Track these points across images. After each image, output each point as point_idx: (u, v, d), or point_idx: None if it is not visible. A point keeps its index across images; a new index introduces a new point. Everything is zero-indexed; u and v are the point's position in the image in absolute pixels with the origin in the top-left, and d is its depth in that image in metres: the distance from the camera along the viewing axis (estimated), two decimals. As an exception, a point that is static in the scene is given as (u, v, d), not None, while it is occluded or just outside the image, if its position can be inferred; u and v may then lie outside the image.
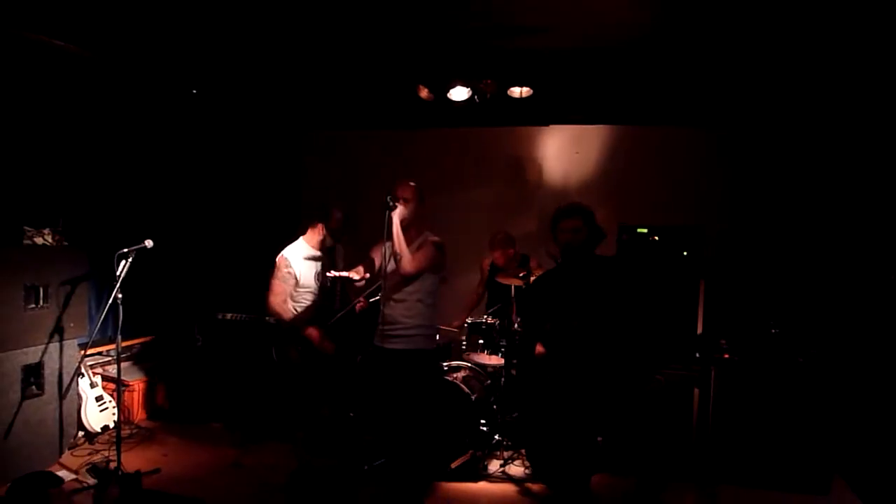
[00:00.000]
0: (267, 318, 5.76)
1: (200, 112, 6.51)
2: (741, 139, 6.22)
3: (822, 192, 5.75)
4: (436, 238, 4.09)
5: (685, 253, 5.00)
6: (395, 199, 3.89)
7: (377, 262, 4.17)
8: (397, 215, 3.87)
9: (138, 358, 6.12)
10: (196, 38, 4.94)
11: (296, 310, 4.46)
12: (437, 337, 4.47)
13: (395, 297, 4.03)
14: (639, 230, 5.12)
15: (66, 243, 4.98)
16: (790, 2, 3.89)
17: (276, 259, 4.47)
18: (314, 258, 4.52)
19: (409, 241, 3.95)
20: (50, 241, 4.87)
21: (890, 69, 4.56)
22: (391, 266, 3.98)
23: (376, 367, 4.11)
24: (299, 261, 4.45)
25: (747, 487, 4.64)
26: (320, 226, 4.55)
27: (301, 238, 4.60)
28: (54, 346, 4.75)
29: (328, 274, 4.47)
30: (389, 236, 3.88)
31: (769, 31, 4.35)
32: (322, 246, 4.58)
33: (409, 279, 3.96)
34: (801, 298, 5.54)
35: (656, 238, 5.11)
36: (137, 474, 4.30)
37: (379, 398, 4.11)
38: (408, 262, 3.88)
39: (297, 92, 6.29)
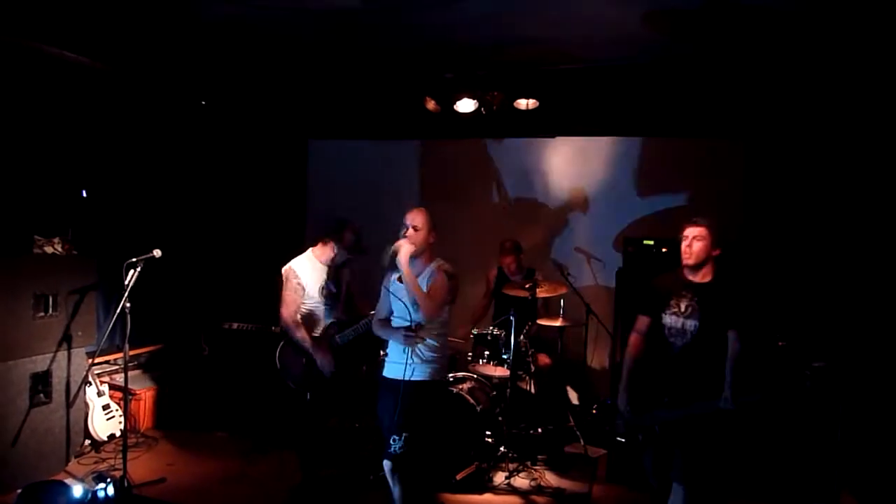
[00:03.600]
0: (273, 327, 5.78)
1: (209, 123, 6.57)
2: (748, 150, 6.20)
3: (831, 203, 5.72)
4: (447, 266, 3.87)
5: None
6: (400, 237, 3.70)
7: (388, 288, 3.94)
8: (405, 255, 3.63)
9: (145, 367, 6.14)
10: (205, 49, 4.99)
11: (303, 322, 4.44)
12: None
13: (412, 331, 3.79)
14: (645, 242, 5.12)
15: (75, 252, 5.02)
16: (793, 13, 3.91)
17: (284, 271, 4.43)
18: (319, 269, 4.52)
19: (419, 270, 3.77)
20: (59, 250, 4.91)
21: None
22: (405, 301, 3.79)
23: (389, 398, 3.86)
24: (306, 272, 4.44)
25: (755, 502, 4.61)
26: (331, 244, 4.52)
27: (310, 250, 4.58)
28: (62, 355, 4.79)
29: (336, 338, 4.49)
30: (392, 269, 3.72)
31: (776, 40, 4.36)
32: (330, 262, 4.57)
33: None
34: (809, 311, 5.51)
35: (664, 250, 5.10)
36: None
37: (390, 426, 3.85)
38: (427, 308, 3.65)
39: (305, 103, 6.34)
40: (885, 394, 4.57)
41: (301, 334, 4.36)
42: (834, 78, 4.86)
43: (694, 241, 3.62)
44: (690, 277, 3.68)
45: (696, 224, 3.63)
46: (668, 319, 3.69)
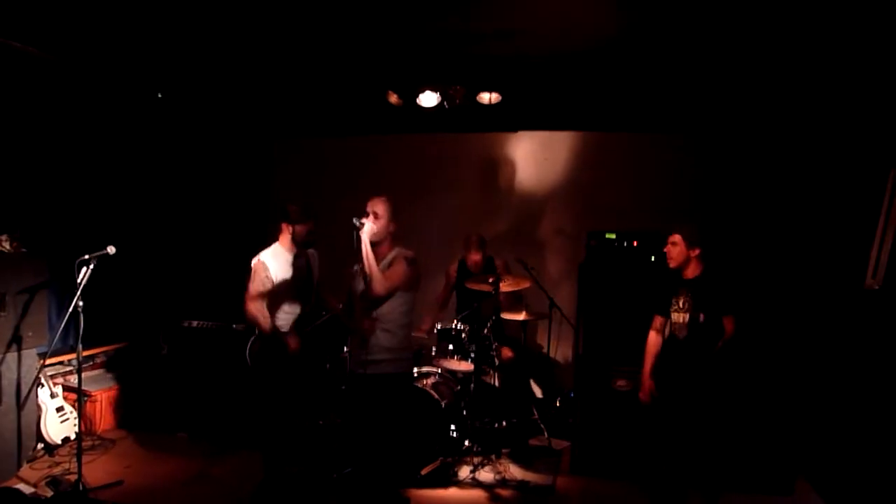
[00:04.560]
0: (234, 325, 5.69)
1: (166, 116, 6.41)
2: (708, 146, 6.30)
3: (786, 200, 5.85)
4: (408, 253, 3.94)
5: (653, 258, 5.05)
6: (363, 217, 3.77)
7: (351, 279, 4.05)
8: (366, 234, 3.74)
9: (102, 367, 5.98)
10: (162, 42, 4.86)
11: (272, 314, 4.37)
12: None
13: (373, 320, 3.86)
14: (607, 235, 5.16)
15: (24, 250, 4.85)
16: (754, 8, 3.97)
17: (253, 264, 4.35)
18: (289, 261, 4.45)
19: (380, 258, 3.80)
20: (7, 247, 4.75)
21: (859, 73, 4.67)
22: (363, 287, 3.85)
23: (355, 392, 3.97)
24: (275, 264, 4.36)
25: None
26: (284, 225, 4.46)
27: (276, 242, 4.52)
28: (12, 356, 4.62)
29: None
30: (360, 256, 3.77)
31: (734, 36, 4.42)
32: (295, 247, 4.50)
33: (381, 300, 3.82)
34: (764, 304, 5.63)
35: (625, 243, 5.14)
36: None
37: (358, 421, 4.00)
38: (378, 283, 3.72)
39: (266, 97, 6.23)
40: (839, 382, 4.69)
41: (268, 325, 4.28)
42: (786, 71, 4.96)
43: (670, 246, 4.13)
44: (683, 276, 4.15)
45: (672, 233, 4.14)
46: (673, 316, 4.17)
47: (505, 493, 4.69)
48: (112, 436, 5.55)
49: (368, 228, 3.75)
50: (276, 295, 4.36)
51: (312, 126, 7.06)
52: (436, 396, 4.87)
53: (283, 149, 7.42)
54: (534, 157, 6.86)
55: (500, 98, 5.76)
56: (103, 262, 4.20)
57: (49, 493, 4.32)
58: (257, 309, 4.27)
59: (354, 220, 3.74)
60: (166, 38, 4.79)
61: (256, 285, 4.29)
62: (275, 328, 4.31)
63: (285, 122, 7.00)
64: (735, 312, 4.03)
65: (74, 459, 4.34)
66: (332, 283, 4.85)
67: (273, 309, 4.36)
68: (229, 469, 4.98)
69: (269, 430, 4.51)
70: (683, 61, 4.95)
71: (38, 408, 4.97)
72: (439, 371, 5.29)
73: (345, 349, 5.03)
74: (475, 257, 5.77)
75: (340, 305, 4.50)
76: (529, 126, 6.77)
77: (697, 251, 4.08)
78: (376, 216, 3.83)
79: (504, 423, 5.43)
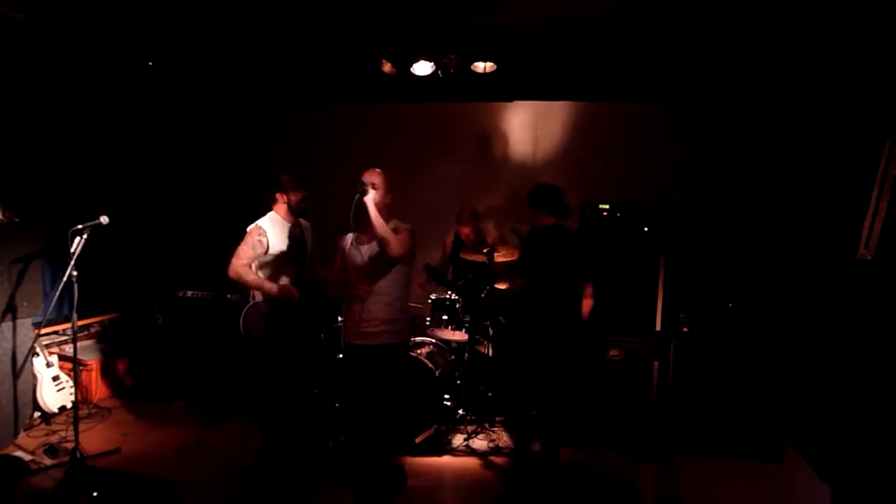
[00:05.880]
0: (229, 295, 5.70)
1: (159, 85, 6.34)
2: (703, 117, 6.27)
3: (781, 171, 5.85)
4: (407, 225, 3.93)
5: (646, 229, 5.06)
6: (366, 185, 3.74)
7: (346, 252, 3.99)
8: (371, 200, 3.69)
9: (97, 336, 6.01)
10: (153, 9, 4.79)
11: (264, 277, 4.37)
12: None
13: (371, 290, 3.83)
14: (600, 206, 5.17)
15: (17, 220, 4.84)
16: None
17: (249, 228, 4.37)
18: (286, 230, 4.44)
19: None
20: (1, 217, 4.73)
21: (854, 42, 4.64)
22: (368, 254, 3.83)
23: (352, 363, 3.96)
24: (272, 231, 4.36)
25: (705, 456, 4.77)
26: (279, 195, 4.45)
27: (272, 212, 4.51)
28: (7, 326, 4.64)
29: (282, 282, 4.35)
30: (357, 223, 3.72)
31: (731, 7, 4.38)
32: (291, 216, 4.50)
33: (390, 266, 3.78)
34: (758, 274, 5.66)
35: (619, 214, 5.16)
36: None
37: (357, 393, 3.97)
38: (396, 244, 3.67)
39: (259, 66, 6.15)
40: (830, 351, 4.74)
41: (252, 278, 4.27)
42: (783, 45, 4.92)
43: None
44: None
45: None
46: None
47: (498, 460, 4.75)
48: (108, 404, 5.59)
49: (372, 195, 3.71)
50: (272, 264, 4.37)
51: (305, 95, 6.99)
52: (430, 366, 4.91)
53: (276, 118, 7.35)
54: (529, 127, 6.81)
55: (494, 67, 5.69)
56: (97, 232, 4.18)
57: (47, 461, 4.38)
58: (240, 265, 4.25)
59: (360, 185, 3.71)
60: (157, 5, 4.72)
61: (246, 245, 4.28)
62: (259, 282, 4.29)
63: (278, 90, 6.93)
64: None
65: (71, 427, 4.37)
66: (323, 253, 4.84)
67: (269, 278, 4.36)
68: (226, 437, 5.02)
69: (265, 399, 4.55)
70: (680, 32, 4.90)
71: (34, 377, 4.99)
72: (434, 341, 5.33)
73: (339, 319, 5.05)
74: (465, 230, 5.77)
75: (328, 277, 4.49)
76: (524, 96, 6.72)
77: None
78: (374, 187, 3.78)
79: (497, 392, 5.48)
